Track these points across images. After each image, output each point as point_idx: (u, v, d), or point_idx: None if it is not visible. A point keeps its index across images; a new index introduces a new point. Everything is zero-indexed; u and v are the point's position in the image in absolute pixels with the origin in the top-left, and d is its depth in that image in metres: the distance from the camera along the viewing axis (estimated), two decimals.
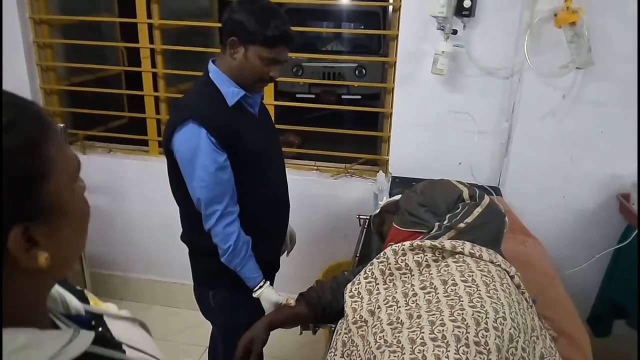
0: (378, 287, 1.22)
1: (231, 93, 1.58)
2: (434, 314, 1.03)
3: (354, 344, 1.14)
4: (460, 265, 1.15)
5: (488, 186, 2.32)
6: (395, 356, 0.99)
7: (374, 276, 1.25)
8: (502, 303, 1.04)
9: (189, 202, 1.60)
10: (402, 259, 1.23)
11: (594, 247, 2.14)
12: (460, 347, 0.95)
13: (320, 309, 1.41)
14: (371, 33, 5.49)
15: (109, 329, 0.73)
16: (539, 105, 2.21)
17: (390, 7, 2.77)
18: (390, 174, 2.51)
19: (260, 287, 1.67)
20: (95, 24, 3.25)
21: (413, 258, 1.22)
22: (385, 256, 1.25)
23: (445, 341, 0.96)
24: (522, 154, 2.30)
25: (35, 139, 0.55)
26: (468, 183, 1.48)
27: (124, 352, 0.68)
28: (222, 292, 1.76)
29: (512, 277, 1.18)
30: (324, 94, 5.07)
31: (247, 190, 1.63)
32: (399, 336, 1.02)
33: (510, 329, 1.00)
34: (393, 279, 1.22)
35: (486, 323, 0.99)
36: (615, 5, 2.03)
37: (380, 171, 2.50)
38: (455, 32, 2.16)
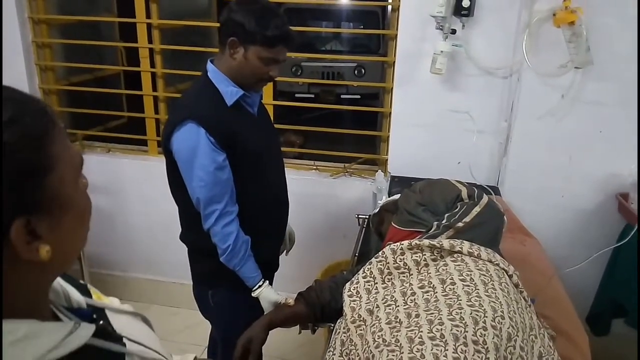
0: (377, 287, 1.22)
1: (230, 93, 1.58)
2: (432, 313, 1.03)
3: (353, 343, 1.14)
4: (458, 265, 1.15)
5: (487, 186, 2.32)
6: (393, 355, 0.99)
7: (372, 275, 1.25)
8: (500, 302, 1.04)
9: (188, 202, 1.60)
10: (400, 259, 1.23)
11: (592, 246, 2.14)
12: (458, 346, 0.95)
13: (319, 308, 1.41)
14: (370, 33, 5.49)
15: (110, 323, 0.73)
16: (538, 105, 2.21)
17: (389, 7, 2.77)
18: (389, 173, 2.51)
19: (260, 286, 1.67)
20: (94, 23, 3.25)
21: (412, 257, 1.22)
22: (384, 255, 1.25)
23: (444, 340, 0.96)
24: (521, 153, 2.31)
25: (39, 134, 0.56)
26: (467, 182, 1.48)
27: (125, 345, 0.68)
28: (221, 292, 1.76)
29: (510, 277, 1.18)
30: (323, 94, 5.06)
31: (246, 190, 1.64)
32: (397, 335, 1.02)
33: (508, 328, 1.00)
34: (392, 278, 1.22)
35: (484, 322, 0.99)
36: (614, 5, 2.03)
37: (379, 171, 2.50)
38: (454, 31, 2.16)
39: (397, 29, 2.34)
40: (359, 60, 5.00)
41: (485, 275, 1.11)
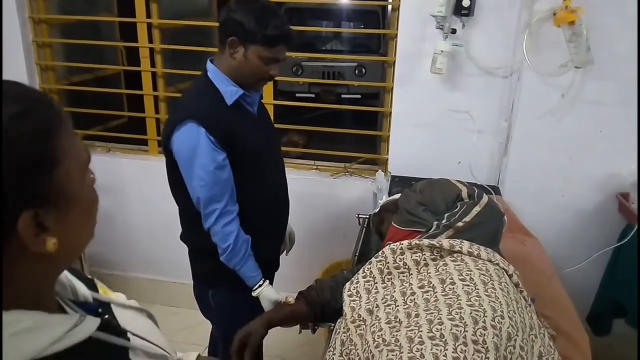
0: (376, 286, 1.22)
1: (230, 92, 1.58)
2: (432, 313, 1.03)
3: (353, 343, 1.14)
4: (458, 264, 1.15)
5: (487, 185, 2.32)
6: (393, 355, 0.99)
7: (372, 275, 1.25)
8: (500, 302, 1.04)
9: (188, 202, 1.60)
10: (400, 258, 1.23)
11: (593, 246, 2.14)
12: (458, 345, 0.95)
13: (319, 307, 1.41)
14: (370, 32, 5.49)
15: (115, 317, 0.74)
16: (538, 105, 2.21)
17: (389, 7, 2.77)
18: (390, 173, 2.51)
19: (260, 285, 1.67)
20: (95, 23, 3.26)
21: (411, 257, 1.22)
22: (384, 255, 1.25)
23: (443, 340, 0.96)
24: (521, 153, 2.30)
25: (47, 128, 0.57)
26: (467, 182, 1.48)
27: (129, 339, 0.69)
28: (221, 291, 1.76)
29: (510, 276, 1.18)
30: (323, 94, 5.06)
31: (246, 189, 1.64)
32: (397, 335, 1.02)
33: (508, 328, 1.00)
34: (391, 278, 1.22)
35: (484, 322, 0.99)
36: (614, 5, 2.03)
37: (380, 170, 2.50)
38: (454, 31, 2.16)
39: (397, 29, 2.34)
40: (359, 60, 4.99)
41: (485, 275, 1.11)
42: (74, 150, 0.61)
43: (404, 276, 1.21)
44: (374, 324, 1.10)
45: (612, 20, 2.04)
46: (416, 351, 0.96)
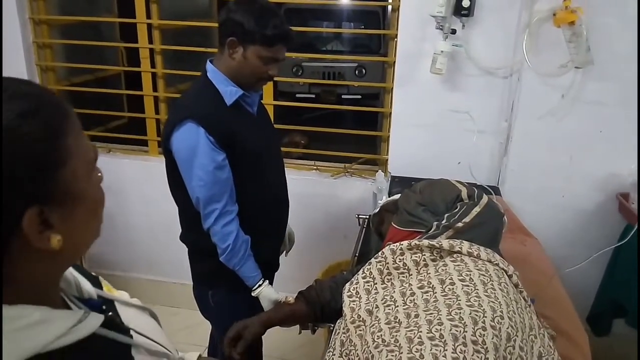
0: (376, 287, 1.22)
1: (229, 92, 1.59)
2: (431, 313, 1.03)
3: (352, 344, 1.14)
4: (458, 265, 1.15)
5: (487, 186, 2.32)
6: (393, 355, 0.99)
7: (372, 276, 1.25)
8: (499, 302, 1.04)
9: (187, 202, 1.60)
10: (400, 259, 1.23)
11: (593, 246, 2.14)
12: (457, 346, 0.95)
13: (319, 307, 1.41)
14: (370, 33, 5.49)
15: (119, 314, 0.75)
16: (538, 105, 2.21)
17: (390, 7, 2.77)
18: (390, 173, 2.51)
19: (259, 285, 1.67)
20: (95, 24, 3.26)
21: (411, 257, 1.22)
22: (384, 256, 1.25)
23: (443, 340, 0.96)
24: (522, 153, 2.30)
25: (55, 127, 0.58)
26: (467, 183, 1.48)
27: (132, 337, 0.70)
28: (221, 292, 1.76)
29: (510, 277, 1.18)
30: (324, 94, 5.06)
31: (246, 190, 1.64)
32: (396, 335, 1.02)
33: (507, 328, 1.00)
34: (391, 279, 1.22)
35: (484, 322, 0.99)
36: (614, 5, 2.03)
37: (380, 171, 2.50)
38: (454, 31, 2.16)
39: (397, 29, 2.34)
40: (359, 60, 5.00)
41: (484, 276, 1.11)
42: (81, 149, 0.61)
43: (403, 277, 1.21)
44: (373, 325, 1.10)
45: (612, 20, 2.04)
46: (415, 352, 0.96)
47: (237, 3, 1.55)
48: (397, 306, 1.11)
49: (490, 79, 2.28)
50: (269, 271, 1.83)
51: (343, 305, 1.23)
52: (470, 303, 1.03)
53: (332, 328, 1.36)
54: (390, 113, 2.48)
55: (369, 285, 1.23)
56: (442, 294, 1.08)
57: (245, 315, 1.54)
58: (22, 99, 0.56)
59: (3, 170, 0.53)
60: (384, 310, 1.13)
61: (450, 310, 1.02)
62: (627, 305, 2.15)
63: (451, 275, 1.12)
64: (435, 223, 1.31)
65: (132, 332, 0.71)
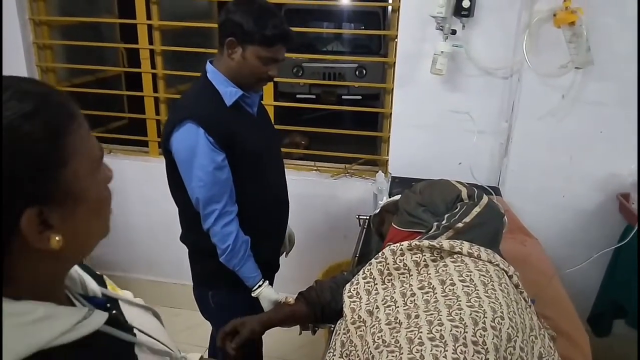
0: (376, 287, 1.22)
1: (229, 93, 1.59)
2: (432, 314, 1.03)
3: (353, 344, 1.14)
4: (458, 265, 1.15)
5: (488, 186, 2.32)
6: (393, 356, 0.99)
7: (372, 276, 1.25)
8: (500, 303, 1.04)
9: (187, 203, 1.60)
10: (400, 259, 1.23)
11: (593, 247, 2.14)
12: (458, 346, 0.95)
13: (319, 308, 1.41)
14: (370, 33, 5.49)
15: (122, 313, 0.76)
16: (539, 105, 2.21)
17: (390, 8, 2.77)
18: (390, 174, 2.51)
19: (259, 286, 1.67)
20: (95, 25, 3.26)
21: (411, 258, 1.22)
22: (384, 256, 1.25)
23: (443, 341, 0.96)
24: (522, 154, 2.30)
25: (57, 126, 0.58)
26: (468, 183, 1.48)
27: (135, 335, 0.71)
28: (221, 293, 1.76)
29: (510, 277, 1.18)
30: (324, 95, 5.06)
31: (245, 190, 1.64)
32: (397, 336, 1.02)
33: (508, 329, 1.00)
34: (391, 279, 1.22)
35: (484, 323, 0.99)
36: (614, 5, 2.03)
37: (380, 171, 2.50)
38: (454, 32, 2.16)
39: (397, 30, 2.34)
40: (360, 61, 5.00)
41: (485, 276, 1.11)
42: (85, 149, 0.61)
43: (404, 277, 1.21)
44: (374, 325, 1.10)
45: (612, 20, 2.04)
46: (416, 352, 0.96)
47: (236, 4, 1.55)
48: (398, 307, 1.11)
49: (490, 79, 2.28)
50: (269, 272, 1.83)
51: (343, 305, 1.23)
52: (470, 304, 1.03)
53: (332, 329, 1.36)
54: (391, 113, 2.48)
55: (369, 286, 1.23)
56: (443, 294, 1.08)
57: (245, 316, 1.54)
58: (23, 98, 0.56)
59: (2, 170, 0.52)
60: (385, 310, 1.13)
61: (451, 310, 1.02)
62: (628, 305, 2.15)
63: (451, 276, 1.12)
64: (436, 223, 1.31)
65: (135, 331, 0.72)
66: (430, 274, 1.17)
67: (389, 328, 1.06)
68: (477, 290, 1.07)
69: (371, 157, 2.79)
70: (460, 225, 1.27)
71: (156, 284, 3.04)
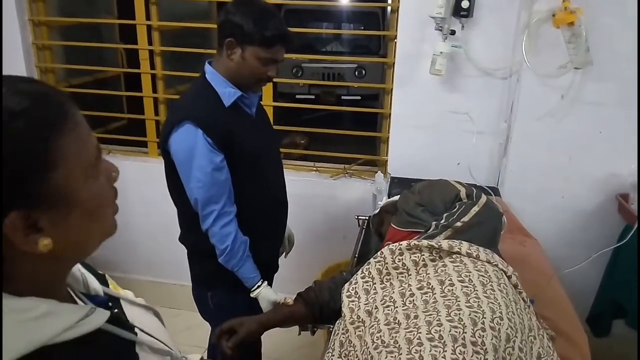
0: (375, 287, 1.22)
1: (227, 94, 1.58)
2: (431, 314, 1.03)
3: (352, 345, 1.14)
4: (457, 266, 1.15)
5: (487, 186, 2.32)
6: (392, 356, 0.99)
7: (371, 276, 1.25)
8: (499, 303, 1.04)
9: (186, 203, 1.60)
10: (399, 259, 1.23)
11: (592, 247, 2.14)
12: (457, 347, 0.95)
13: (318, 308, 1.41)
14: (369, 34, 5.49)
15: (124, 312, 0.76)
16: (538, 106, 2.21)
17: (389, 8, 2.77)
18: (389, 174, 2.51)
19: (258, 287, 1.67)
20: (94, 25, 3.26)
21: (410, 258, 1.22)
22: (383, 256, 1.25)
23: (442, 341, 0.96)
24: (521, 154, 2.30)
25: (48, 127, 0.56)
26: (467, 183, 1.48)
27: (136, 334, 0.71)
28: (220, 293, 1.76)
29: (509, 277, 1.18)
30: (323, 95, 5.06)
31: (244, 191, 1.64)
32: (396, 336, 1.02)
33: (507, 329, 1.00)
34: (390, 279, 1.22)
35: (483, 323, 0.99)
36: (614, 5, 2.03)
37: (379, 172, 2.50)
38: (453, 32, 2.16)
39: (396, 30, 2.34)
40: (359, 62, 5.00)
41: (484, 276, 1.11)
42: (79, 151, 0.59)
43: (402, 277, 1.21)
44: (372, 325, 1.10)
45: (612, 20, 2.04)
46: (415, 353, 0.96)
47: (236, 4, 1.55)
48: (397, 307, 1.11)
49: (489, 79, 2.28)
50: (268, 272, 1.83)
51: (342, 305, 1.23)
52: (469, 304, 1.03)
53: (331, 329, 1.36)
54: (390, 114, 2.48)
55: (367, 286, 1.23)
56: (442, 294, 1.08)
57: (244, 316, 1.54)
58: (16, 97, 0.54)
59: None
60: (383, 311, 1.13)
61: (450, 311, 1.02)
62: (627, 306, 2.15)
63: (450, 276, 1.12)
64: (434, 223, 1.31)
65: (136, 330, 0.72)
66: (429, 274, 1.17)
67: (388, 328, 1.06)
68: (476, 290, 1.07)
69: (370, 157, 2.79)
70: (458, 224, 1.27)
71: (155, 284, 3.03)
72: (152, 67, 2.75)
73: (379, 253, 1.27)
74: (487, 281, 1.10)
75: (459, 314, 1.01)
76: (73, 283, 0.72)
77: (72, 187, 0.58)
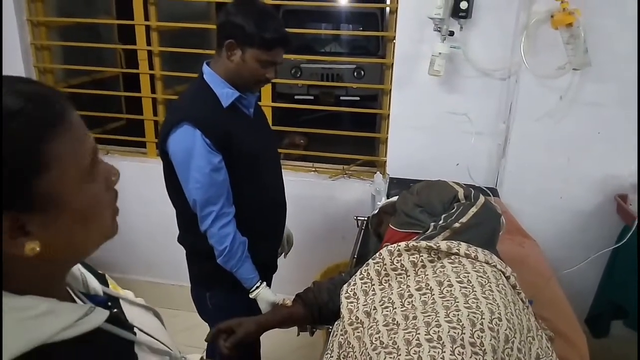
0: (374, 288, 1.22)
1: (226, 94, 1.58)
2: (429, 315, 1.03)
3: (350, 345, 1.14)
4: (456, 266, 1.15)
5: (485, 187, 2.32)
6: (391, 357, 0.98)
7: (369, 277, 1.25)
8: (497, 304, 1.04)
9: (185, 204, 1.60)
10: (397, 260, 1.23)
11: (591, 248, 2.14)
12: (455, 348, 0.95)
13: (317, 309, 1.41)
14: (368, 35, 5.49)
15: (123, 312, 0.76)
16: (536, 107, 2.21)
17: (388, 9, 2.77)
18: (388, 175, 2.51)
19: (257, 287, 1.67)
20: (93, 26, 3.26)
21: (409, 259, 1.22)
22: (381, 257, 1.25)
23: (441, 342, 0.96)
24: (520, 155, 2.31)
25: (41, 129, 0.55)
26: (465, 184, 1.48)
27: (135, 334, 0.71)
28: (219, 294, 1.76)
29: (507, 278, 1.18)
30: (322, 96, 5.06)
31: (242, 192, 1.63)
32: (394, 337, 1.02)
33: (505, 330, 1.00)
34: (389, 280, 1.22)
35: (482, 324, 0.99)
36: (612, 6, 2.03)
37: (378, 172, 2.50)
38: (452, 33, 2.16)
39: (395, 31, 2.34)
40: (358, 62, 5.00)
41: (482, 277, 1.11)
42: (74, 153, 0.58)
43: (401, 278, 1.21)
44: (371, 326, 1.10)
45: (610, 21, 2.04)
46: (414, 354, 0.96)
47: (236, 5, 1.55)
48: (395, 308, 1.11)
49: (488, 80, 2.28)
50: (266, 273, 1.83)
51: (341, 306, 1.23)
52: (468, 305, 1.03)
53: (330, 330, 1.36)
54: (389, 115, 2.48)
55: (366, 287, 1.23)
56: (440, 295, 1.08)
57: (243, 317, 1.53)
58: (11, 98, 0.54)
59: None
60: (382, 312, 1.12)
61: (448, 312, 1.02)
62: (627, 306, 2.15)
63: (449, 277, 1.12)
64: (432, 224, 1.31)
65: (135, 330, 0.72)
66: (427, 274, 1.17)
67: (387, 329, 1.06)
68: (475, 291, 1.07)
69: (369, 158, 2.79)
70: (457, 225, 1.27)
71: (154, 285, 3.03)
72: (151, 67, 2.75)
73: (377, 254, 1.27)
74: (485, 282, 1.10)
75: (458, 314, 1.01)
76: (72, 282, 0.72)
77: (65, 190, 0.57)
